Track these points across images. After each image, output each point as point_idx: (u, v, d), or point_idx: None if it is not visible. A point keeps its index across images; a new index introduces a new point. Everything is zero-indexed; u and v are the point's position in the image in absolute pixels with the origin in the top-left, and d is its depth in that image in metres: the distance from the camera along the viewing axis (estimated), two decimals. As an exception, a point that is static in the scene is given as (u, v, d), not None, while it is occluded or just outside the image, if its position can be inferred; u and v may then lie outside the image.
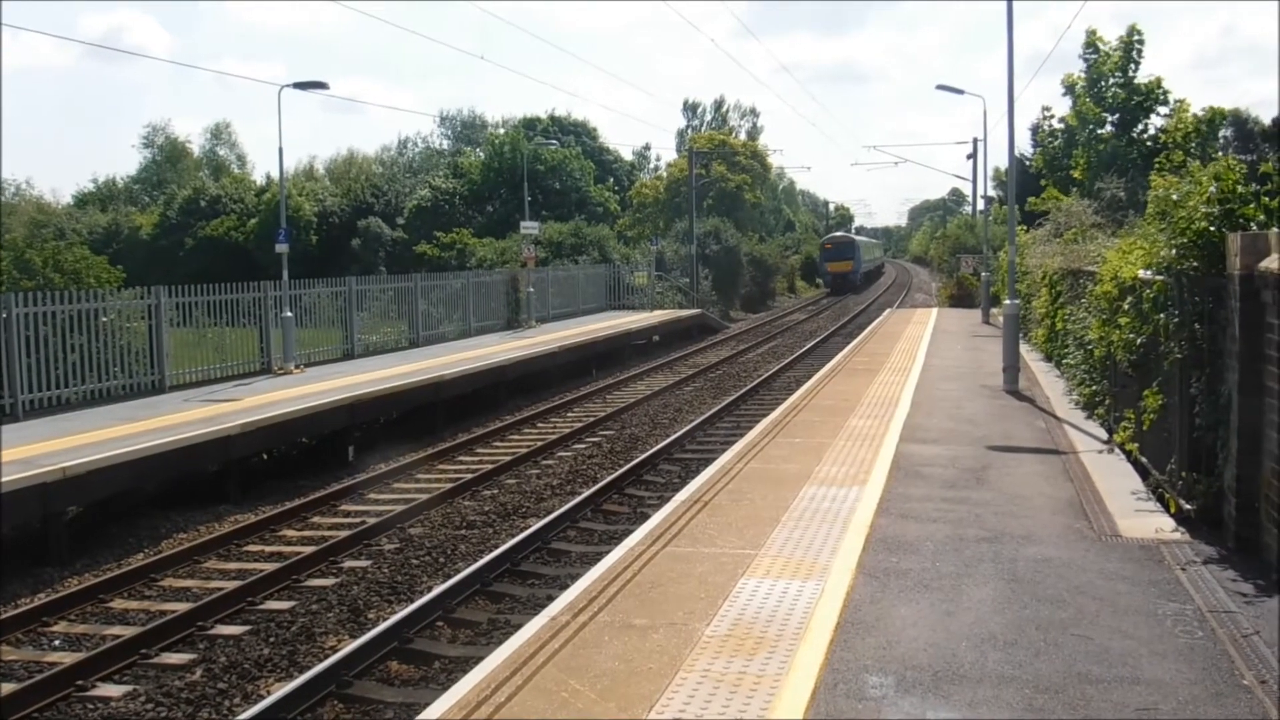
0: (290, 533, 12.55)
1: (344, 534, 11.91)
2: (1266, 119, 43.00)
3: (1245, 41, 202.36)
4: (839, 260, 69.80)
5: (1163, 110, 24.45)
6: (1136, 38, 24.69)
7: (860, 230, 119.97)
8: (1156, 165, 17.51)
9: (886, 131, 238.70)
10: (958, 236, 51.38)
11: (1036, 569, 7.36)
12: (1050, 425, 13.41)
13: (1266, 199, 8.07)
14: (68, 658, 8.69)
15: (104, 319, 17.30)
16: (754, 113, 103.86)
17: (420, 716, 5.38)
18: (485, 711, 5.29)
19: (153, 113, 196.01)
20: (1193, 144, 21.61)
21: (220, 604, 9.69)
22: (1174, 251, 8.35)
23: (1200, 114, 22.85)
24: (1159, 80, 24.63)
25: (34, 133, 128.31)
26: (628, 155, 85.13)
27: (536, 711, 5.28)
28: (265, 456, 15.81)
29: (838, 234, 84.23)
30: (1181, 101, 23.93)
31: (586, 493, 13.23)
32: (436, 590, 9.60)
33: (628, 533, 9.43)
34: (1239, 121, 40.68)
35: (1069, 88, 25.79)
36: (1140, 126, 24.98)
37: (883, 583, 7.11)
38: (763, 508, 9.22)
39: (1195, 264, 8.18)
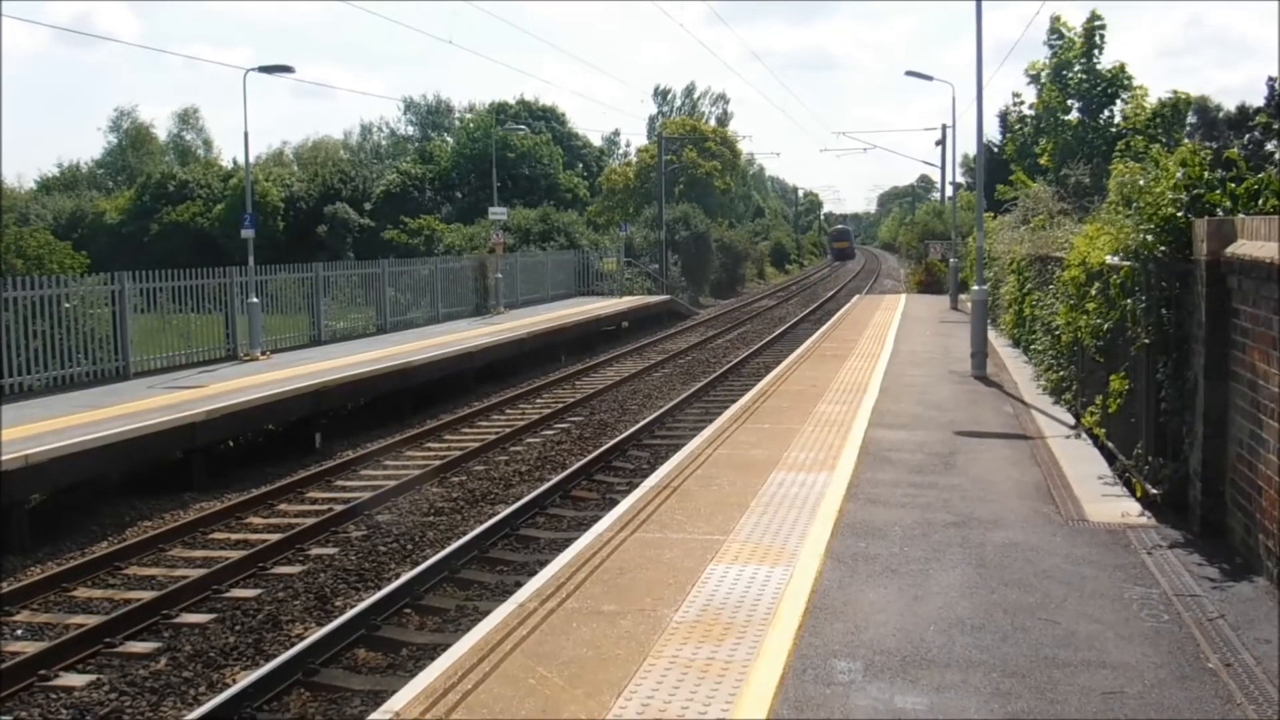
0: (256, 520, 12.44)
1: (311, 521, 11.82)
2: (1230, 106, 43.37)
3: (1211, 32, 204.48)
4: (841, 241, 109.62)
5: (1126, 96, 24.53)
6: (1098, 23, 24.74)
7: (830, 216, 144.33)
8: (1117, 151, 17.59)
9: (856, 118, 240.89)
10: (926, 223, 51.66)
11: (1004, 554, 7.39)
12: (1018, 410, 13.48)
13: (1232, 185, 8.11)
14: (30, 647, 8.57)
15: (67, 305, 17.07)
16: (724, 99, 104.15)
17: (387, 704, 5.33)
18: (452, 699, 5.26)
19: (121, 97, 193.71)
20: (1157, 130, 21.72)
21: (185, 592, 9.59)
22: (1142, 237, 8.38)
23: (1163, 99, 22.97)
24: (1122, 66, 24.71)
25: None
26: (597, 141, 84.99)
27: (504, 699, 5.24)
28: (231, 443, 15.67)
29: (839, 226, 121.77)
30: (1137, 89, 24.03)
31: (555, 479, 13.19)
32: (404, 577, 9.55)
33: (596, 519, 9.38)
34: (1203, 109, 40.96)
35: (1034, 76, 25.85)
36: (1105, 113, 25.08)
37: (851, 568, 7.12)
38: (731, 493, 9.21)
39: (1163, 249, 8.22)
